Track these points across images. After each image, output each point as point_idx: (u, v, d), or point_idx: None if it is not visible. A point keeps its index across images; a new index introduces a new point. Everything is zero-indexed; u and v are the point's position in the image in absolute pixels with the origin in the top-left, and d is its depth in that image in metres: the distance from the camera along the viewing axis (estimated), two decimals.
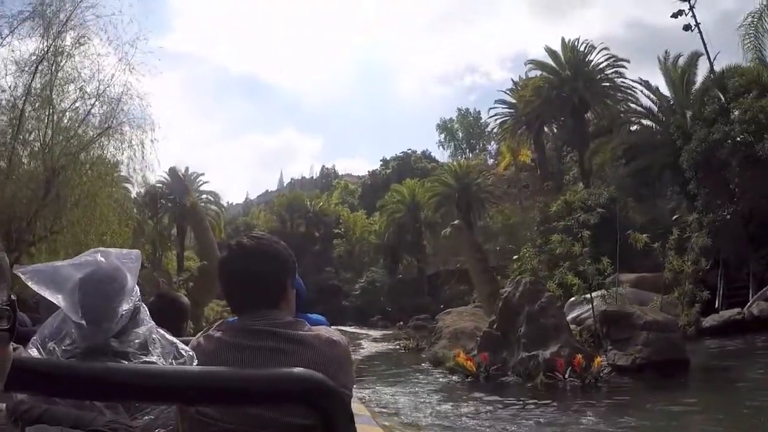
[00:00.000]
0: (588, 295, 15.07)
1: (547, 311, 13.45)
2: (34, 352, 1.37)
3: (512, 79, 46.74)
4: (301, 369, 1.26)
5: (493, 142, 76.58)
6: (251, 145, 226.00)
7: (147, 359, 1.46)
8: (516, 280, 14.80)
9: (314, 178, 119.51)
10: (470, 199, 42.77)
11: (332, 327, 1.88)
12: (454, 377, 14.77)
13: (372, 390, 14.00)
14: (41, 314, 2.06)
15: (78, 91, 20.01)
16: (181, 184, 20.11)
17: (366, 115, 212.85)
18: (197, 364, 1.50)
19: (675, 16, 28.34)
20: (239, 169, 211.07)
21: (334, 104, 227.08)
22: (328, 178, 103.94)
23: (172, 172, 20.01)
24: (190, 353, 1.54)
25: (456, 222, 22.42)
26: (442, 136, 79.76)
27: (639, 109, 27.38)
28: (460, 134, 79.81)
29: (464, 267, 46.27)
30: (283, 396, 1.22)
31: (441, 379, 15.14)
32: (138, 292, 1.56)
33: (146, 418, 1.41)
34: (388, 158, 72.90)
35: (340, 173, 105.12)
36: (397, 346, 24.31)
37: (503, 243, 37.14)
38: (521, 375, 12.77)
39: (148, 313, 1.57)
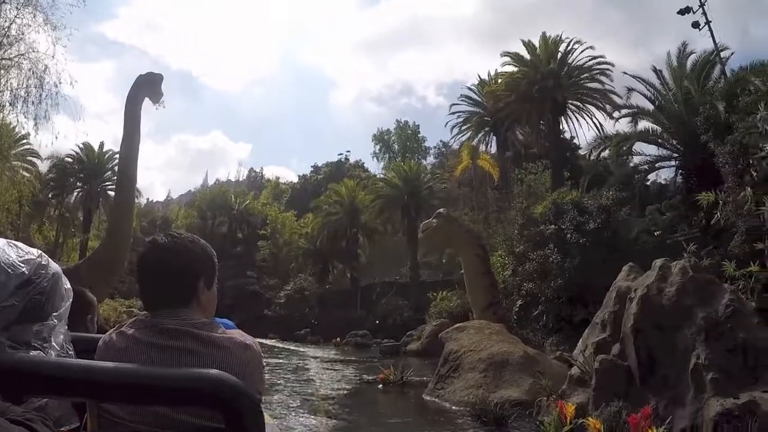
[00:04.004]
0: None
1: (739, 320, 7.37)
2: None
3: (479, 75, 43.11)
4: (213, 370, 1.22)
5: (430, 157, 74.08)
6: (179, 145, 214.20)
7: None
8: (660, 266, 8.32)
9: (240, 180, 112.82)
10: (420, 204, 38.46)
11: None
12: None
13: None
14: None
15: None
16: (153, 87, 16.68)
17: (297, 127, 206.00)
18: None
19: (682, 12, 25.47)
20: (164, 168, 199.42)
21: (266, 111, 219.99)
22: (256, 181, 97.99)
23: (142, 76, 16.77)
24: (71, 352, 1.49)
25: (441, 210, 18.12)
26: (377, 147, 75.09)
27: (646, 106, 23.88)
28: (396, 147, 75.82)
29: (403, 280, 43.15)
30: (194, 397, 1.18)
31: None
32: (39, 286, 1.35)
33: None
34: (320, 165, 68.38)
35: (268, 178, 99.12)
36: (366, 377, 16.23)
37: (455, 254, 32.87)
38: None
39: (55, 308, 1.41)
